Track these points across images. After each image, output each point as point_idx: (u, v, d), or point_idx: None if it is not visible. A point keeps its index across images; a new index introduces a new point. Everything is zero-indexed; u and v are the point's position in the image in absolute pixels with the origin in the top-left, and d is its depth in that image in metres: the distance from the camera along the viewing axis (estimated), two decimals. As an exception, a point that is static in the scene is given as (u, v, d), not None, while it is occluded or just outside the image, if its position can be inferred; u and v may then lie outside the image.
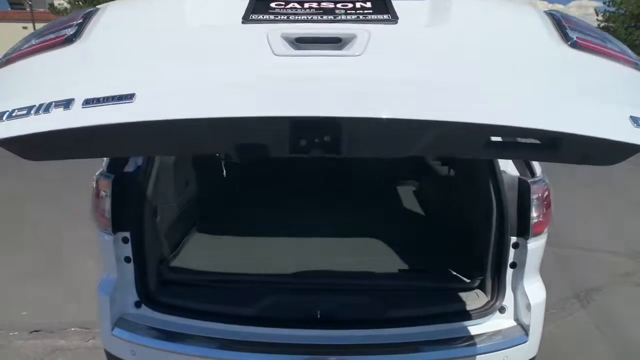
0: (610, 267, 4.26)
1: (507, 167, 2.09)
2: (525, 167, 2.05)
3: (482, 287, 2.17)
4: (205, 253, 2.53)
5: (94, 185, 2.04)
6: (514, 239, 2.00)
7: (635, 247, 4.68)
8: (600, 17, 43.95)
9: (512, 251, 2.01)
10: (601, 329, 3.23)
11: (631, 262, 4.37)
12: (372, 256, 2.50)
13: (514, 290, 2.05)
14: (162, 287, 2.17)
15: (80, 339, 3.07)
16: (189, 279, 2.21)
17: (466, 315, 2.01)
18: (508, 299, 2.04)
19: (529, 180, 1.97)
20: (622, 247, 4.71)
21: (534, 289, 2.02)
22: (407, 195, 3.74)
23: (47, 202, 6.14)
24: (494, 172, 2.08)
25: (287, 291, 2.14)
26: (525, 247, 1.98)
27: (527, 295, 2.00)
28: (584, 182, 6.04)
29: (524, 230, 1.98)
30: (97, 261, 4.08)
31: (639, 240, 4.84)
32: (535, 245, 1.99)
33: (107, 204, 1.99)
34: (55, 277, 3.94)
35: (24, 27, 35.71)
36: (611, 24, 43.05)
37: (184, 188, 2.78)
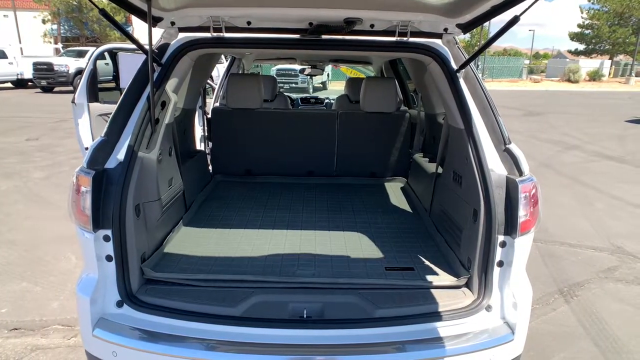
0: (593, 262, 4.33)
1: (495, 165, 2.09)
2: (513, 165, 2.04)
3: (468, 286, 2.17)
4: (190, 251, 2.49)
5: (74, 181, 1.98)
6: (501, 238, 2.00)
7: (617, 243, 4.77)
8: (584, 15, 44.73)
9: (499, 250, 2.01)
10: (584, 324, 3.27)
11: (613, 257, 4.45)
12: (358, 254, 2.49)
13: (500, 288, 2.05)
14: (144, 286, 2.13)
15: (61, 337, 3.01)
16: (172, 278, 2.17)
17: (453, 314, 2.00)
18: (495, 298, 2.04)
19: (517, 179, 1.96)
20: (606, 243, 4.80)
21: (521, 288, 2.03)
22: (395, 193, 3.73)
23: (27, 198, 6.02)
24: (482, 170, 2.07)
25: (273, 290, 2.11)
26: (513, 246, 1.98)
27: (513, 294, 2.00)
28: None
29: (512, 228, 1.97)
30: (79, 257, 4.01)
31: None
32: (523, 244, 1.99)
33: (87, 201, 1.93)
34: (37, 273, 3.86)
35: (5, 16, 34.86)
36: (595, 22, 43.84)
37: (168, 185, 2.72)
